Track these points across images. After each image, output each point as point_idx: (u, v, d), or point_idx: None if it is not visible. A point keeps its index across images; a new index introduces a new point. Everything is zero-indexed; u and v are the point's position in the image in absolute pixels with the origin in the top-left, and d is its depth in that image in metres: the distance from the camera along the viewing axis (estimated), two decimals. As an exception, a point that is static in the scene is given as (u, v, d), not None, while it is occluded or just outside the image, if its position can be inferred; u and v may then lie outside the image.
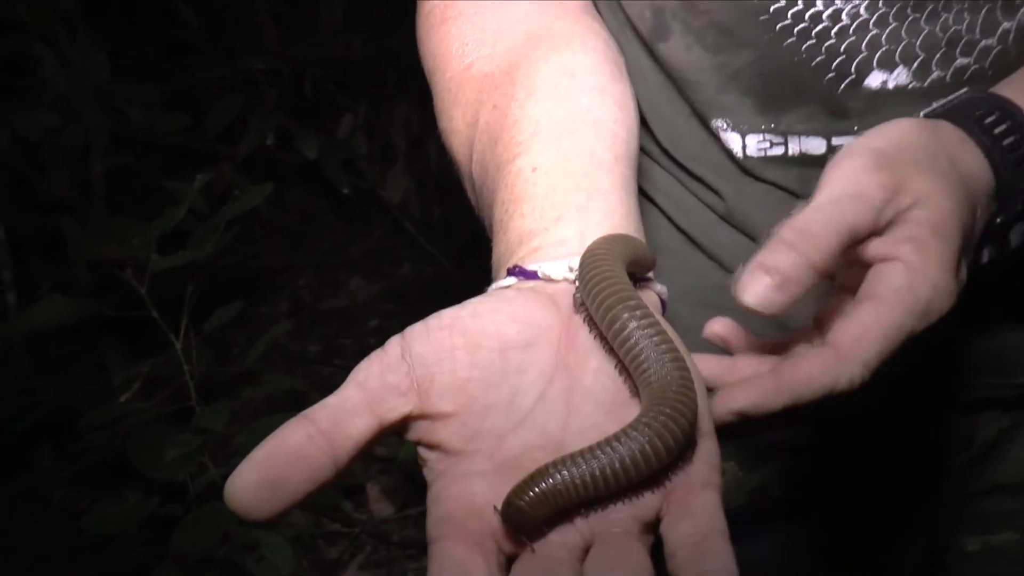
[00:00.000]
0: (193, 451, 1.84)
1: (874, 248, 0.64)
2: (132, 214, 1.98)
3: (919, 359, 0.66)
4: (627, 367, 0.57)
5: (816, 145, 0.80)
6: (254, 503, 0.52)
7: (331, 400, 0.55)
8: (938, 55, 0.76)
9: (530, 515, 0.52)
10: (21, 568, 2.20)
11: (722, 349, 0.70)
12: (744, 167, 0.84)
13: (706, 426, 0.57)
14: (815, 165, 0.73)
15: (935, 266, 0.63)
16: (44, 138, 2.51)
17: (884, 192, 0.62)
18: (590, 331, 0.59)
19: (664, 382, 0.55)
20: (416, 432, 0.57)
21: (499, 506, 0.53)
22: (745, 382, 0.64)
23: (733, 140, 0.83)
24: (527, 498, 0.52)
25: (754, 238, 0.83)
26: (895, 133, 0.66)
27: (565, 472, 0.52)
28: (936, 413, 0.92)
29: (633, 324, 0.56)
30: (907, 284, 0.62)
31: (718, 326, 0.70)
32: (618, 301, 0.57)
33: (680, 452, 0.53)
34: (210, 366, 2.01)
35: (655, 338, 0.56)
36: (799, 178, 0.81)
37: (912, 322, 0.63)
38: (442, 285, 3.25)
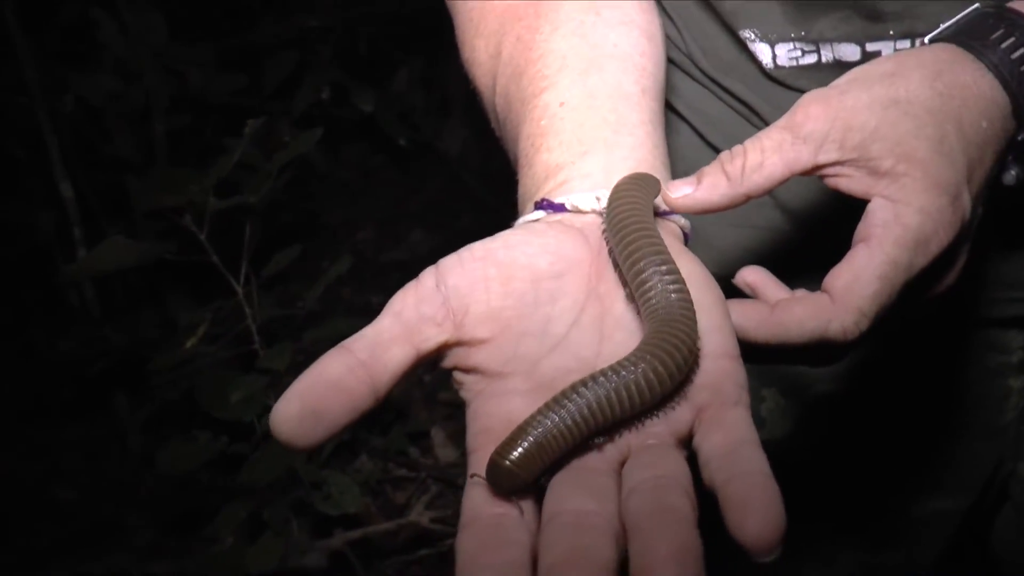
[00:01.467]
0: (258, 391, 1.90)
1: (857, 187, 0.63)
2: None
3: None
4: (637, 302, 0.59)
5: (851, 52, 0.79)
6: (297, 432, 0.53)
7: (368, 331, 0.57)
8: None
9: (519, 476, 0.51)
10: (103, 515, 2.31)
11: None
12: (775, 77, 0.83)
13: (733, 349, 0.59)
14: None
15: (919, 192, 0.61)
16: (106, 102, 2.60)
17: (819, 124, 0.62)
18: (614, 267, 0.62)
19: (663, 317, 0.56)
20: (452, 358, 0.60)
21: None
22: (738, 303, 0.64)
23: (762, 51, 0.83)
24: (513, 457, 0.52)
25: None
26: (867, 67, 0.65)
27: (549, 419, 0.52)
28: (978, 329, 0.91)
29: (649, 269, 0.58)
30: (892, 215, 0.61)
31: (750, 275, 0.69)
32: (637, 238, 0.59)
33: (666, 389, 0.54)
34: (272, 310, 2.07)
35: (666, 277, 0.58)
36: None
37: (907, 256, 0.61)
38: (501, 234, 3.25)
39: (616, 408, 0.53)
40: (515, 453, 0.52)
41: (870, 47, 0.78)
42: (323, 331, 2.12)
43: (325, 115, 3.23)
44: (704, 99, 0.89)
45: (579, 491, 0.53)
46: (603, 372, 0.54)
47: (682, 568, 0.46)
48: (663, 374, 0.54)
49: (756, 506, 0.47)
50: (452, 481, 2.48)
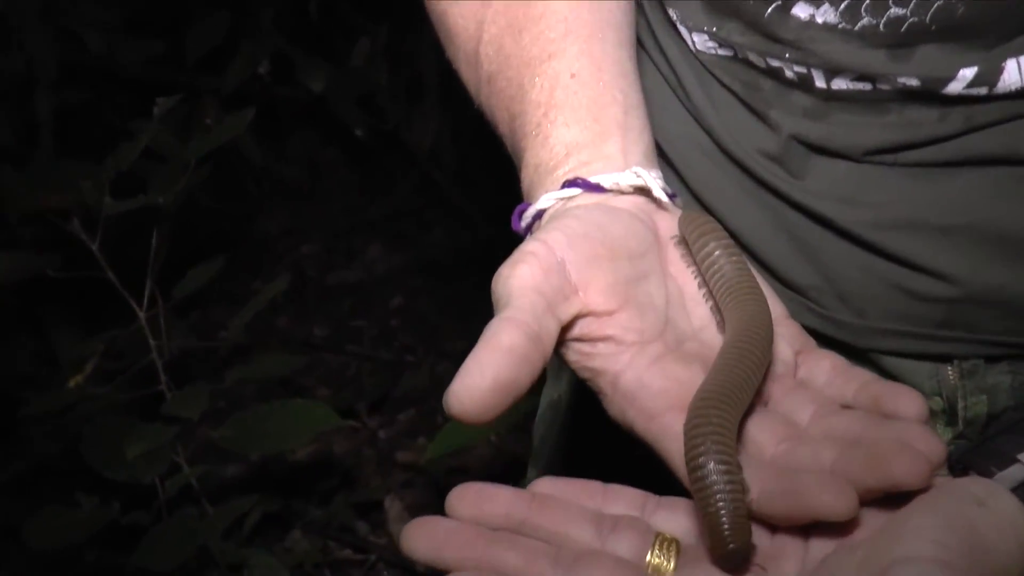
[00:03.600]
0: (162, 445, 1.87)
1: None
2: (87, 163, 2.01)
3: None
4: (716, 298, 0.79)
5: (757, 59, 0.95)
6: (486, 406, 0.66)
7: (520, 302, 0.71)
8: (867, 1, 0.86)
9: (743, 547, 0.63)
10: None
11: None
12: (699, 58, 1.00)
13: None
14: (762, 74, 0.94)
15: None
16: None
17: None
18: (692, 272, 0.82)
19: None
20: (581, 328, 0.75)
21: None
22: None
23: (685, 33, 1.00)
24: (727, 534, 0.63)
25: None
26: None
27: (726, 491, 0.64)
28: None
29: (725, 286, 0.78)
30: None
31: None
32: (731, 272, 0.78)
33: None
34: (184, 342, 2.04)
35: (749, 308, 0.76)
36: (745, 85, 0.97)
37: None
38: (482, 254, 3.24)
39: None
40: (727, 533, 0.63)
41: (771, 62, 0.93)
42: (250, 370, 2.11)
43: (263, 95, 3.23)
44: (653, 44, 1.06)
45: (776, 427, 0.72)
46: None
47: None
48: None
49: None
50: (410, 567, 2.44)
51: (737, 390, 0.69)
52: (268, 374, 2.23)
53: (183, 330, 2.13)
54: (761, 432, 0.71)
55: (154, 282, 2.01)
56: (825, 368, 0.76)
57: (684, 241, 0.81)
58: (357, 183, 3.65)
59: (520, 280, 0.72)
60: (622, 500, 0.70)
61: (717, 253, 0.79)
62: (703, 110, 1.00)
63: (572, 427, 1.15)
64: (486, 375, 0.66)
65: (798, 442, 0.70)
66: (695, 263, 0.81)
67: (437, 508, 0.68)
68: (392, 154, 3.52)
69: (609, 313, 0.75)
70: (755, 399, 0.72)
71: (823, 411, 0.72)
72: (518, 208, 0.86)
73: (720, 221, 0.84)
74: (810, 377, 0.76)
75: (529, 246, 0.75)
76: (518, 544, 0.66)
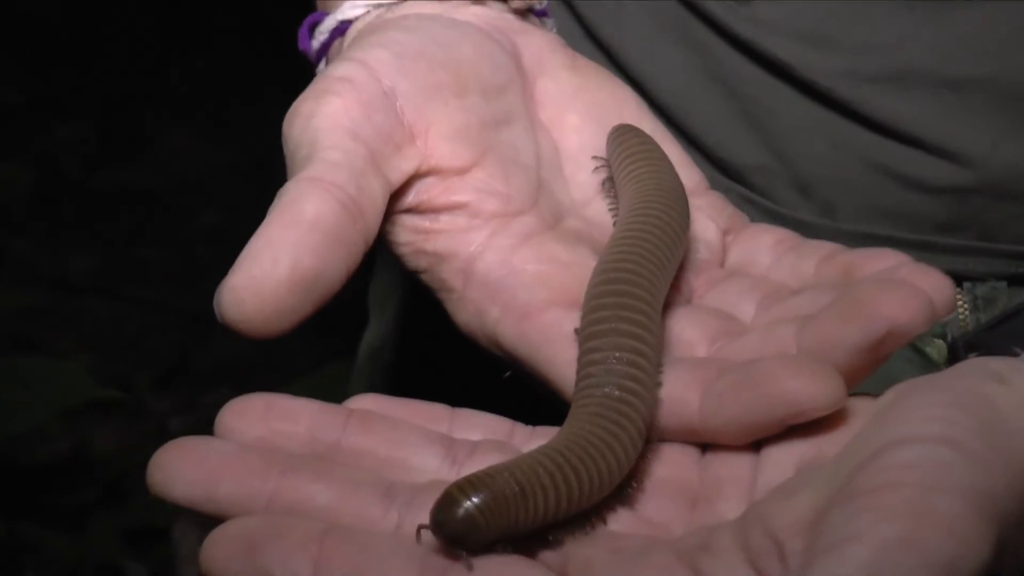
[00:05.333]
0: None
1: None
2: None
3: None
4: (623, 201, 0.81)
5: None
6: (277, 311, 0.65)
7: (334, 155, 0.70)
8: None
9: (483, 530, 0.62)
10: None
11: None
12: None
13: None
14: None
15: None
16: None
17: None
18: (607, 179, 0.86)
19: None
20: (419, 194, 0.75)
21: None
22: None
23: None
24: (479, 501, 0.62)
25: None
26: None
27: (537, 488, 0.64)
28: None
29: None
30: None
31: None
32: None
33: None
34: None
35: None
36: None
37: None
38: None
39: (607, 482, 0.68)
40: (482, 497, 0.62)
41: None
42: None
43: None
44: None
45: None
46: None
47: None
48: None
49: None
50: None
51: (648, 276, 0.69)
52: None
53: None
54: (688, 329, 0.72)
55: None
56: (766, 245, 0.77)
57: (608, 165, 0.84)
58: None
59: (329, 120, 0.71)
60: (481, 426, 0.68)
61: (627, 143, 0.80)
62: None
63: (399, 382, 1.12)
64: (281, 263, 0.64)
65: (741, 335, 0.71)
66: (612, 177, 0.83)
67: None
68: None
69: (460, 170, 0.74)
70: (670, 293, 0.73)
71: (771, 300, 0.72)
72: (308, 20, 0.84)
73: (624, 69, 0.91)
74: (747, 261, 0.77)
75: (340, 70, 0.74)
76: (330, 474, 0.62)
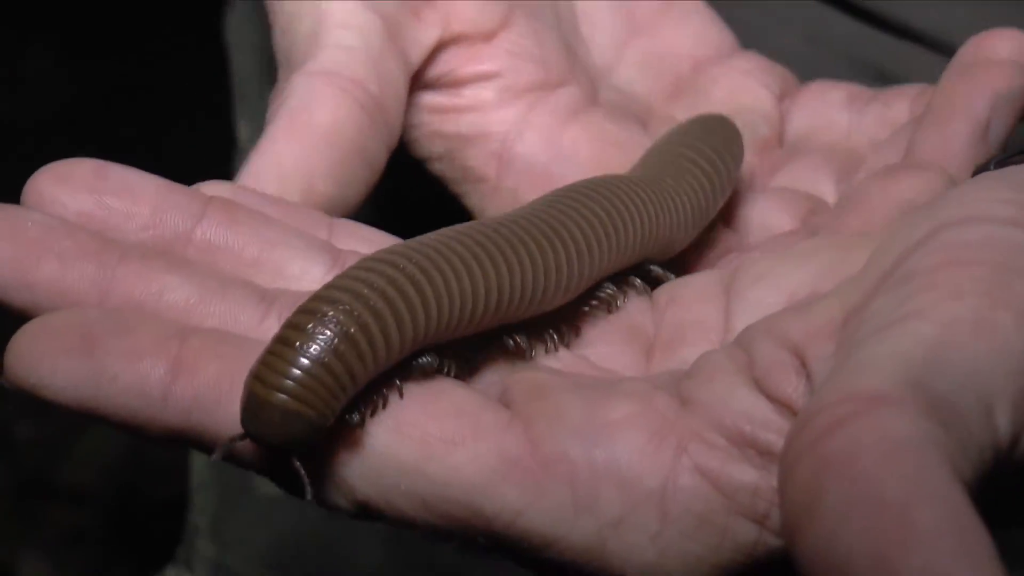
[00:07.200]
0: None
1: None
2: None
3: None
4: None
5: None
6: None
7: (348, 39, 0.59)
8: None
9: (304, 418, 0.54)
10: None
11: None
12: None
13: None
14: None
15: None
16: None
17: None
18: None
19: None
20: (440, 66, 0.63)
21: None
22: None
23: None
24: (290, 386, 0.52)
25: None
26: None
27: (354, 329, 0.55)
28: None
29: None
30: None
31: None
32: None
33: None
34: None
35: None
36: None
37: None
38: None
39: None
40: (293, 380, 0.53)
41: None
42: None
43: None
44: None
45: None
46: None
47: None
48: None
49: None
50: None
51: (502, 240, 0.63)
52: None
53: None
54: (766, 213, 0.68)
55: None
56: (838, 102, 0.69)
57: None
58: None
59: None
60: (366, 239, 0.59)
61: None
62: None
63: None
64: (290, 187, 0.56)
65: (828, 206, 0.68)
66: None
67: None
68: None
69: (487, 35, 0.64)
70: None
71: (847, 169, 0.67)
72: None
73: None
74: (819, 125, 0.68)
75: None
76: (188, 266, 0.52)
